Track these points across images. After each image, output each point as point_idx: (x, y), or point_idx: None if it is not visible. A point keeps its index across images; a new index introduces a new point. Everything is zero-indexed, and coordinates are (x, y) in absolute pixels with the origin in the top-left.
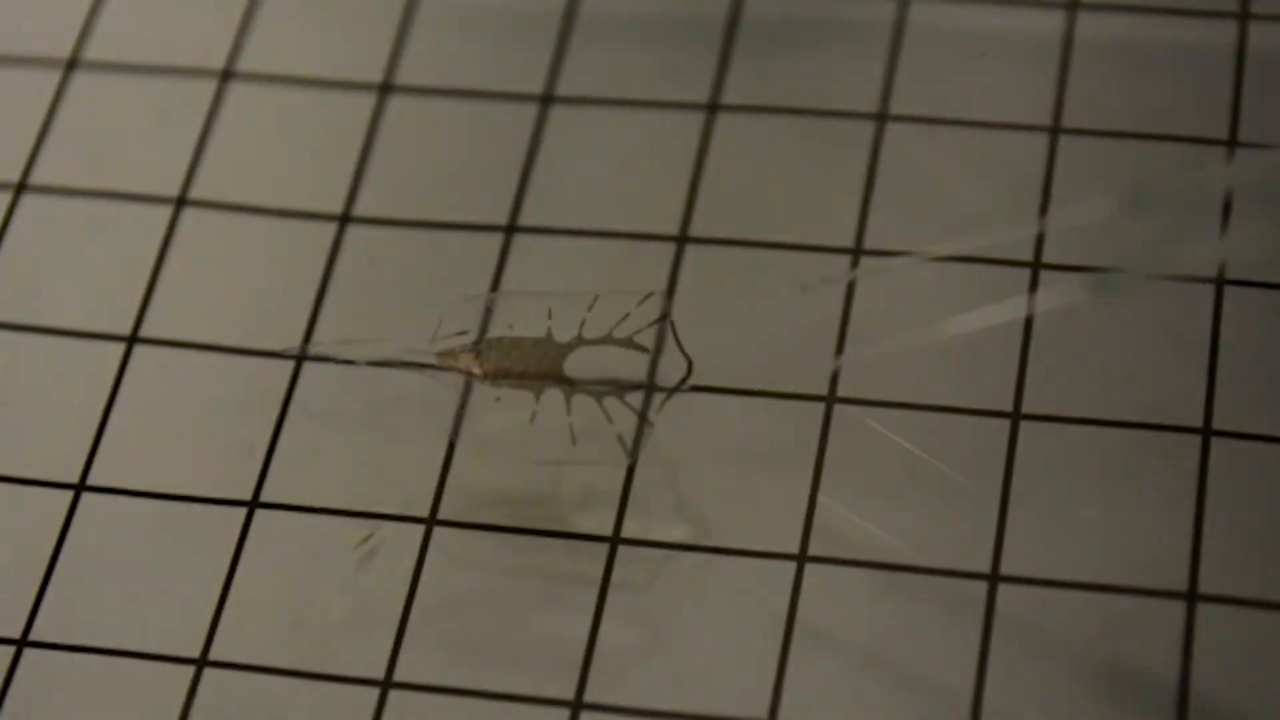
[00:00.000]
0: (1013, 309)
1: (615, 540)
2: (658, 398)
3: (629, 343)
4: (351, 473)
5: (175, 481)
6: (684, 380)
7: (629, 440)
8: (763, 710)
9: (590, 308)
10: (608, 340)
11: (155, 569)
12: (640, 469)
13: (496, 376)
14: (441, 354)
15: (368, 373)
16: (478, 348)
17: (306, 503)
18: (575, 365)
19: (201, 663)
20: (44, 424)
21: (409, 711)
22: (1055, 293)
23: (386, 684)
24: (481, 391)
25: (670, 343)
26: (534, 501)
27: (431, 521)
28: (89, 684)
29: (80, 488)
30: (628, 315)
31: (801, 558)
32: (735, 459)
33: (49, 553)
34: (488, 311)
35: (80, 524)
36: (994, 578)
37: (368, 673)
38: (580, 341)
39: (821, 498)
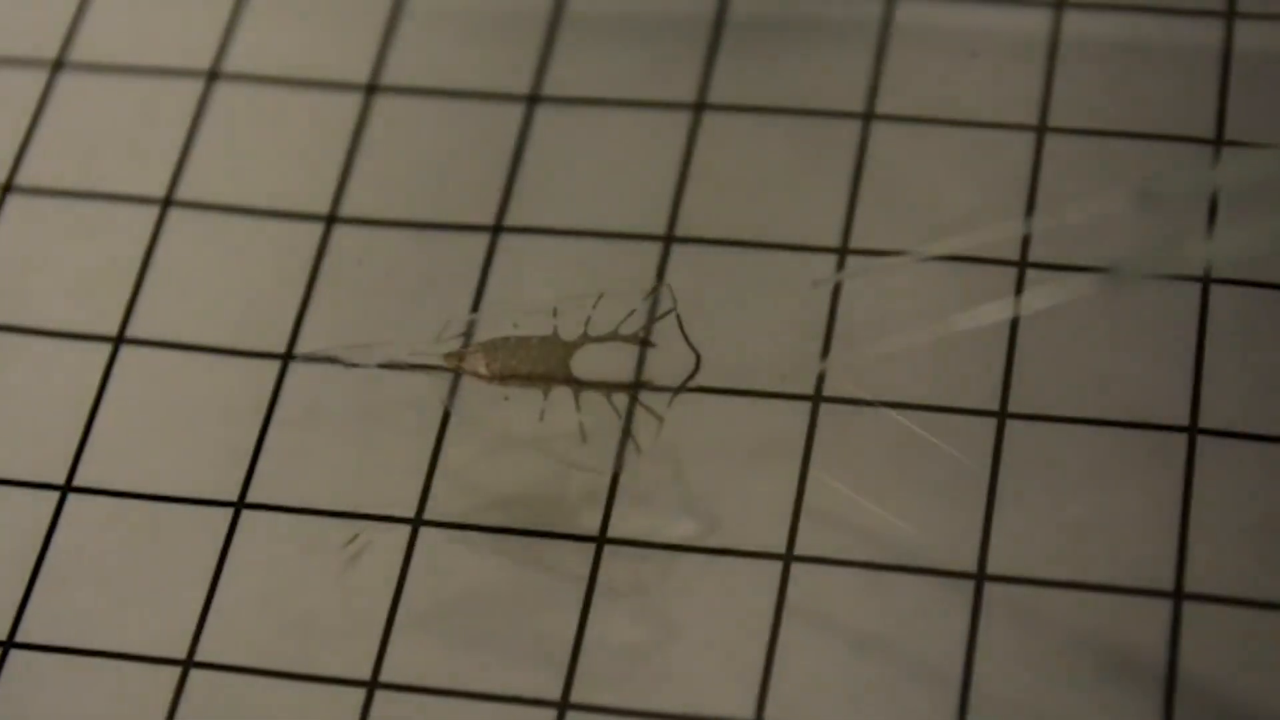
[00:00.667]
0: (1017, 305)
1: (601, 540)
2: (665, 393)
3: (635, 339)
4: (338, 474)
5: (161, 482)
6: (692, 375)
7: (640, 436)
8: (749, 711)
9: (595, 305)
10: (614, 337)
11: (141, 570)
12: (632, 467)
13: (503, 377)
14: (448, 355)
15: (355, 374)
16: (484, 348)
17: (293, 504)
18: (582, 363)
19: (188, 664)
20: (29, 425)
21: (396, 712)
22: (1060, 289)
23: (373, 684)
24: (489, 390)
25: (677, 338)
26: (528, 501)
27: (418, 522)
28: (75, 686)
29: (66, 489)
30: (634, 311)
31: (788, 557)
32: (720, 458)
33: (35, 554)
34: (471, 327)
35: (66, 525)
36: (980, 577)
37: (354, 673)
38: (586, 339)
39: (809, 494)
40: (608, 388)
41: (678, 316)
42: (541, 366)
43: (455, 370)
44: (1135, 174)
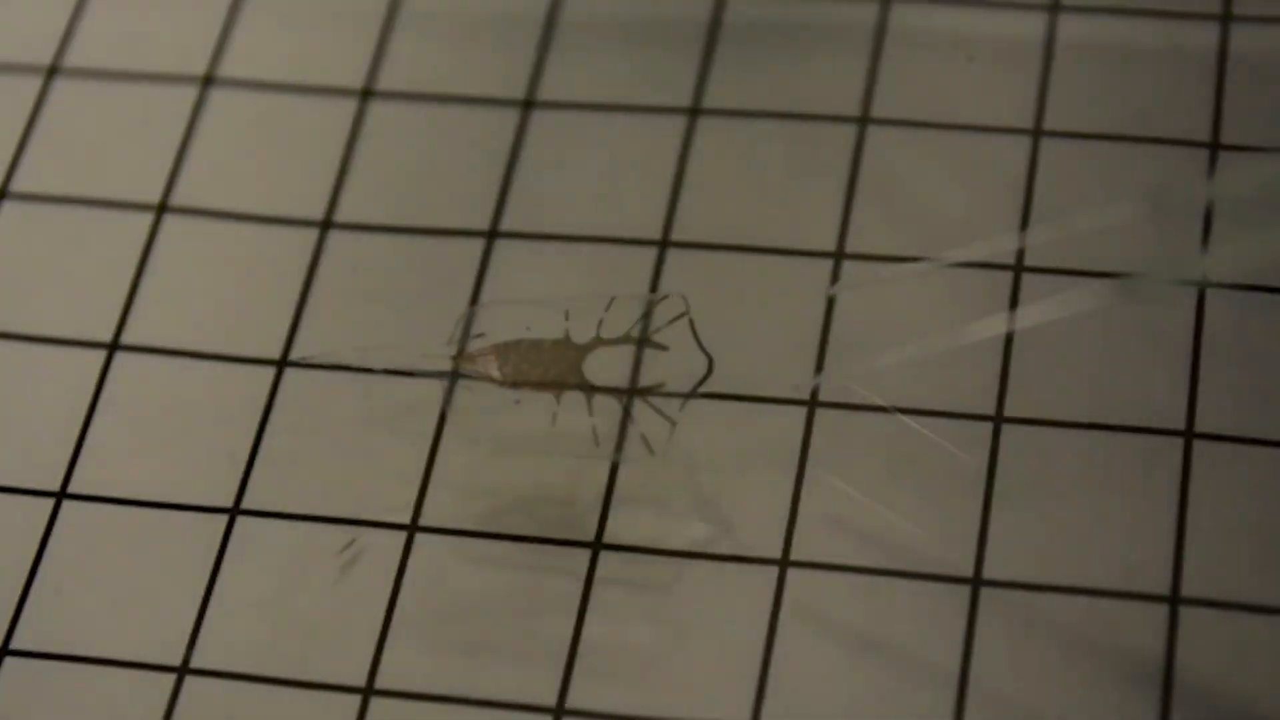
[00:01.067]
0: (1035, 314)
1: (597, 545)
2: (673, 397)
3: (648, 342)
4: (334, 479)
5: (157, 489)
6: (704, 379)
7: (654, 439)
8: (745, 715)
9: (608, 308)
10: (626, 340)
11: (137, 577)
12: (640, 470)
13: (516, 381)
14: (459, 358)
15: (351, 379)
16: (496, 351)
17: (288, 509)
18: (594, 366)
19: (183, 670)
20: (25, 431)
21: (391, 719)
22: (1078, 297)
23: (369, 691)
24: (500, 393)
25: (690, 342)
26: (534, 506)
27: (414, 528)
28: (70, 692)
29: (61, 495)
30: (645, 314)
31: (785, 562)
32: (718, 463)
33: (30, 561)
34: (469, 323)
35: (61, 532)
36: (977, 581)
37: (350, 680)
38: (599, 342)
39: (806, 499)
40: (620, 392)
41: (690, 321)
42: (554, 371)
43: (468, 374)
44: (1131, 178)
